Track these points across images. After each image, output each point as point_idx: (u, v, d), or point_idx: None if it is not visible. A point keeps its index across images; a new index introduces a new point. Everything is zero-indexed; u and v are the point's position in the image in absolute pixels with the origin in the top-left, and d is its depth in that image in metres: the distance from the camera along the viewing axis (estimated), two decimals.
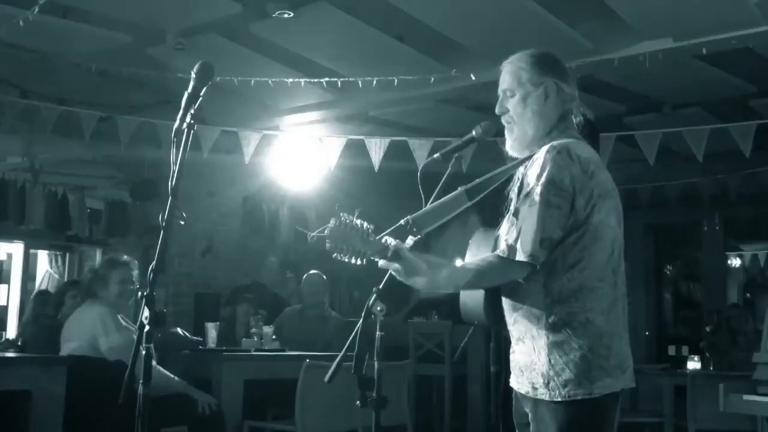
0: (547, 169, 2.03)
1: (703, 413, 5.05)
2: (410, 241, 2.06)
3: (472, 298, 2.24)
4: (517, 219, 2.04)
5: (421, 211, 2.09)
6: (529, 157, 2.14)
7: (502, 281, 2.12)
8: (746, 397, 4.29)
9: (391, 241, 2.01)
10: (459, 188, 2.12)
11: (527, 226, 2.01)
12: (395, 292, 2.11)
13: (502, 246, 2.06)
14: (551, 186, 2.01)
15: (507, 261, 2.03)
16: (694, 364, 5.63)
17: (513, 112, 2.21)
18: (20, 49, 5.67)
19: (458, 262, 2.18)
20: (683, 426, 5.31)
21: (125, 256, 4.60)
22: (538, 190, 2.02)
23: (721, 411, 4.40)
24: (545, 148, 2.09)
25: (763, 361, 4.38)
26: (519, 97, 2.19)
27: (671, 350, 6.25)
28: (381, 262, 2.01)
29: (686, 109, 6.61)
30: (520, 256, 2.00)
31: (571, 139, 2.14)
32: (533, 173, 2.06)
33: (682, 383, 5.37)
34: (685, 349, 6.00)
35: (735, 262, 9.58)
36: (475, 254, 2.25)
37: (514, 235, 2.03)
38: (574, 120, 2.23)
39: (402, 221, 2.05)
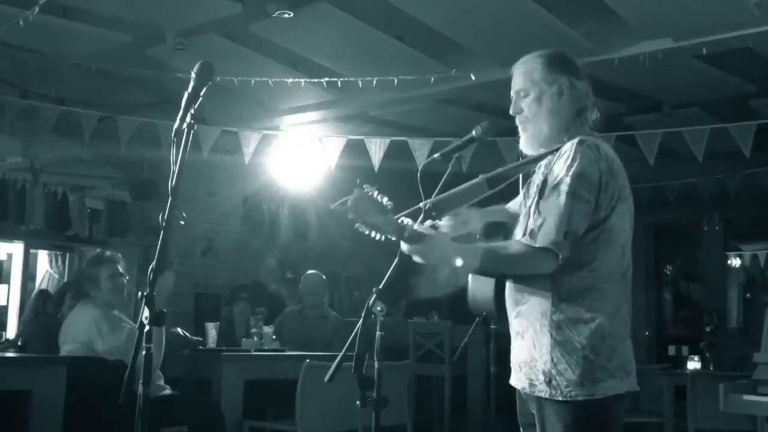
0: (578, 161, 2.00)
1: (703, 413, 5.05)
2: (428, 224, 2.04)
3: (481, 291, 2.22)
4: (543, 209, 2.00)
5: (441, 195, 2.08)
6: (553, 152, 2.11)
7: (526, 271, 2.04)
8: (746, 397, 4.29)
9: (408, 221, 1.97)
10: (480, 176, 2.11)
11: (552, 215, 1.96)
12: (392, 287, 2.09)
13: (526, 233, 2.01)
14: (582, 179, 1.98)
15: (529, 246, 1.97)
16: (694, 364, 5.63)
17: (528, 112, 2.19)
18: (20, 49, 5.66)
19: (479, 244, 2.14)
20: (683, 426, 5.31)
21: (108, 252, 4.65)
22: (567, 180, 1.98)
23: (721, 411, 4.40)
24: (574, 141, 2.05)
25: (763, 361, 4.39)
26: (533, 96, 2.18)
27: (671, 350, 6.24)
28: (403, 246, 1.94)
29: (686, 109, 6.59)
30: (541, 242, 1.95)
31: (590, 136, 2.12)
32: (561, 165, 2.02)
33: (682, 383, 5.37)
34: (685, 349, 6.00)
35: (735, 262, 9.57)
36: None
37: (539, 223, 1.98)
38: (590, 117, 2.21)
39: (421, 204, 2.03)
